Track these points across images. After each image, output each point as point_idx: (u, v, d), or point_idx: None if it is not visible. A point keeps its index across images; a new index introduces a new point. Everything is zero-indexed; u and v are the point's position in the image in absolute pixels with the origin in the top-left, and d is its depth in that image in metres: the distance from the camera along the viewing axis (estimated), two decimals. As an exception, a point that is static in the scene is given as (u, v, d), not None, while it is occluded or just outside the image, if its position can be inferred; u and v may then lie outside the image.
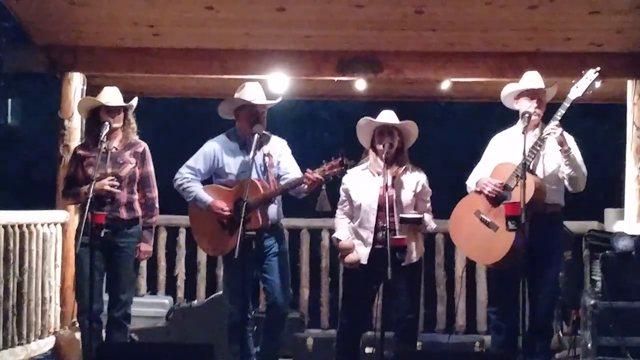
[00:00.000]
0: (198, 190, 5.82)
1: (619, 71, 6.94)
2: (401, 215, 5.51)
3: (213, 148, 5.90)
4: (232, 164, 5.84)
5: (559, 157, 5.55)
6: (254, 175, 5.64)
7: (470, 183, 5.80)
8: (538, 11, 6.61)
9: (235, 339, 5.73)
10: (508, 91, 5.77)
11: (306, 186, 5.56)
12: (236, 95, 5.91)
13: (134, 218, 5.91)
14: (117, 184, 5.79)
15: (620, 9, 6.56)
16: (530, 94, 5.66)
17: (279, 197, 5.84)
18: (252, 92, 5.88)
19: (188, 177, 5.84)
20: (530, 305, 5.61)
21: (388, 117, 5.70)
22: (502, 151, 5.72)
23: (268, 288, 5.87)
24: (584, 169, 5.56)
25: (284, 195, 5.83)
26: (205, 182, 5.93)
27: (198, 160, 5.88)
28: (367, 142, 5.77)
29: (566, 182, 5.58)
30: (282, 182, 5.75)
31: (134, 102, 6.01)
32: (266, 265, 5.85)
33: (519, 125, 5.69)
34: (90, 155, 5.85)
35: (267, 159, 5.75)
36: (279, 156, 5.85)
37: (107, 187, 5.74)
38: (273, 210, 5.82)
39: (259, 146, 5.72)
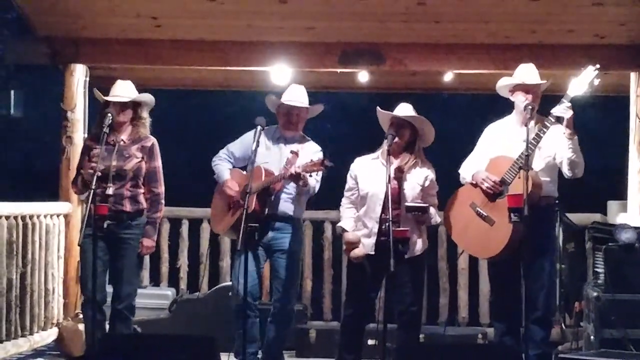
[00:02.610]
0: (223, 169, 6.08)
1: (622, 63, 6.94)
2: (407, 204, 5.50)
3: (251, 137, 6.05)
4: (260, 154, 5.88)
5: (553, 149, 5.52)
6: (275, 166, 5.85)
7: (465, 173, 5.75)
8: (541, 3, 6.60)
9: (239, 324, 5.76)
10: (502, 84, 5.72)
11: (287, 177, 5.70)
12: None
13: (138, 210, 5.89)
14: (97, 173, 5.63)
15: (624, 0, 6.55)
16: (525, 88, 5.60)
17: (299, 194, 5.91)
18: (290, 93, 6.01)
19: (222, 157, 6.13)
20: (528, 296, 5.60)
21: (399, 109, 5.67)
22: (498, 142, 5.69)
23: (276, 285, 5.96)
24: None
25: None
26: (243, 168, 6.12)
27: (235, 144, 6.13)
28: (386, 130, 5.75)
29: (565, 168, 5.49)
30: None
31: (143, 97, 5.97)
32: (274, 262, 5.93)
33: (514, 115, 5.68)
34: (98, 146, 5.83)
35: (291, 155, 5.87)
36: (305, 159, 5.86)
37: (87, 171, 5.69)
38: (286, 205, 5.90)
39: (284, 141, 5.96)
